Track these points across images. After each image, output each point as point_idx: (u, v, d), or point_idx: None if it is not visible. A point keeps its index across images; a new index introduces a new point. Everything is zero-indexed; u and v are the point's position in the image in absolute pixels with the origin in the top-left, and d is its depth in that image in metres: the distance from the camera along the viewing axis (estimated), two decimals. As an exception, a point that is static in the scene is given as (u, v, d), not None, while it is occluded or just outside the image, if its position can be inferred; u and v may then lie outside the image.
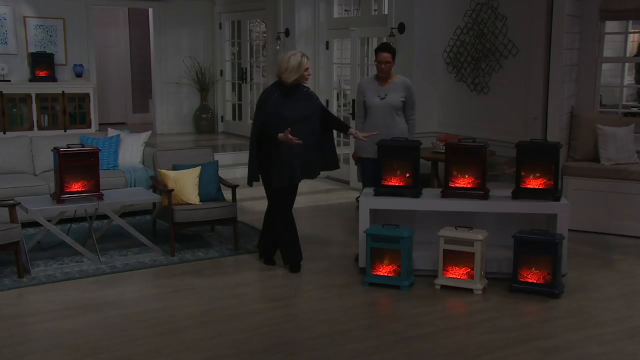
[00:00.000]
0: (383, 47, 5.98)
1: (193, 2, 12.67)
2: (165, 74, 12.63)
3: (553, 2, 6.93)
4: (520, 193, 5.58)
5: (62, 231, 6.02)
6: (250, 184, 5.76)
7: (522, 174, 5.58)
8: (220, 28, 12.75)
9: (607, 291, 5.38)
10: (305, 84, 5.79)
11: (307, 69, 5.63)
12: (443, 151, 6.05)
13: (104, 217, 6.30)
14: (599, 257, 6.22)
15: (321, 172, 6.06)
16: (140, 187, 7.10)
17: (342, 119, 10.71)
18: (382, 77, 5.96)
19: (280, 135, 5.47)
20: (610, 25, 8.18)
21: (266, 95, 5.69)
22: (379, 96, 5.95)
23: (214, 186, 6.42)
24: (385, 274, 5.38)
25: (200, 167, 6.43)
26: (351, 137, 6.34)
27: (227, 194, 6.52)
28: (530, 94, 7.38)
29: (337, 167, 6.04)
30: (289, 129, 5.42)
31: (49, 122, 10.96)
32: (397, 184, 5.71)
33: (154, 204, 6.51)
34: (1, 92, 10.57)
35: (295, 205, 5.92)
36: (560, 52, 6.89)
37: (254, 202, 8.09)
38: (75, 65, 11.28)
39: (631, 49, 9.71)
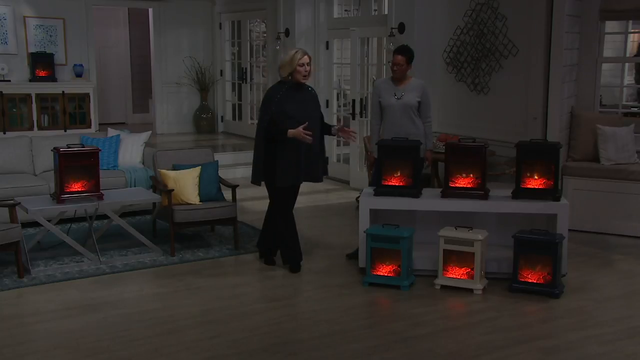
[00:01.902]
0: (398, 50, 6.01)
1: (193, 2, 12.67)
2: (165, 74, 12.62)
3: (553, 2, 6.93)
4: (520, 193, 5.57)
5: (62, 231, 6.02)
6: (254, 182, 5.76)
7: (522, 174, 5.58)
8: (220, 28, 12.74)
9: (607, 291, 5.38)
10: (309, 85, 5.76)
11: (304, 64, 5.52)
12: (443, 151, 6.05)
13: (104, 217, 6.30)
14: (599, 257, 6.22)
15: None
16: (140, 187, 7.10)
17: (342, 119, 10.76)
18: (397, 78, 5.98)
19: (291, 130, 5.42)
20: (610, 25, 8.18)
21: (271, 93, 5.66)
22: (395, 96, 5.96)
23: (214, 186, 6.42)
24: (385, 274, 5.38)
25: (200, 167, 6.43)
26: (351, 139, 6.24)
27: (227, 194, 6.52)
28: (530, 94, 7.38)
29: (324, 177, 5.94)
30: (307, 123, 5.40)
31: (49, 122, 10.95)
32: (397, 184, 5.71)
33: (154, 204, 6.51)
34: (1, 92, 10.57)
35: (295, 205, 5.91)
36: (560, 52, 6.89)
37: (254, 202, 8.09)
38: (75, 65, 11.28)
39: (631, 49, 9.71)
